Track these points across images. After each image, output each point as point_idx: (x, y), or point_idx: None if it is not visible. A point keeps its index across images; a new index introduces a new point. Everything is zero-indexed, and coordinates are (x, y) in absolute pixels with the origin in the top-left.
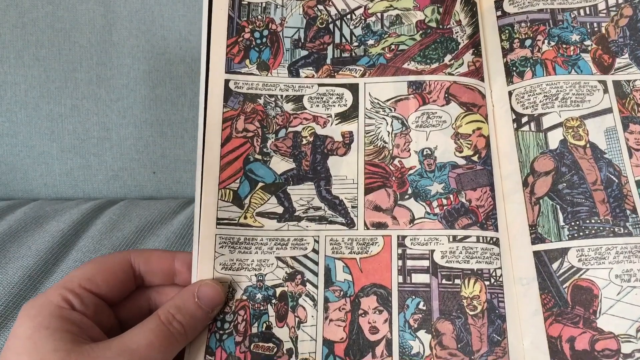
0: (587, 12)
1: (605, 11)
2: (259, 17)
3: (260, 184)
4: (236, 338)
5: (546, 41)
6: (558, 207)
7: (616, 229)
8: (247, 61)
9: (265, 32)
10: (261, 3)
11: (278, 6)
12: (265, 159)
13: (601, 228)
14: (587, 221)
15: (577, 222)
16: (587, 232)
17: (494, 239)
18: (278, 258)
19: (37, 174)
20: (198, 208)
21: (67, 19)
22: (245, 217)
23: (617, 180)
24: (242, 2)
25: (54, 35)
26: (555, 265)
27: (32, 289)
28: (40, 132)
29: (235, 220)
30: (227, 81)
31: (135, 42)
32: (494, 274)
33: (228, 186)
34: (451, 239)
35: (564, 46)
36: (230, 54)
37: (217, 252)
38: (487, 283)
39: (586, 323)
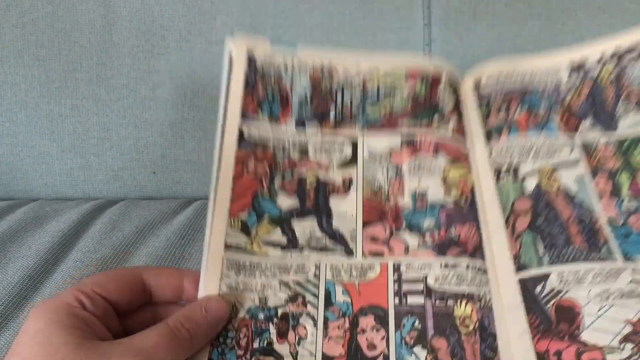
0: (552, 89)
1: (567, 88)
2: (272, 79)
3: (266, 216)
4: (238, 352)
5: (518, 108)
6: (538, 236)
7: (592, 255)
8: (260, 113)
9: (277, 91)
10: (274, 67)
11: (288, 71)
12: (272, 196)
13: (578, 254)
14: (565, 249)
15: (556, 250)
16: (565, 258)
17: (482, 269)
18: (281, 281)
19: (37, 174)
20: (209, 232)
21: (67, 19)
22: (252, 245)
23: (589, 218)
24: (257, 66)
25: (54, 35)
26: (538, 289)
27: (32, 289)
28: (41, 132)
29: (243, 246)
30: (241, 129)
31: (135, 42)
32: (483, 297)
33: (237, 217)
34: (443, 266)
35: (534, 112)
36: (245, 106)
37: (224, 273)
38: (477, 305)
39: (571, 337)
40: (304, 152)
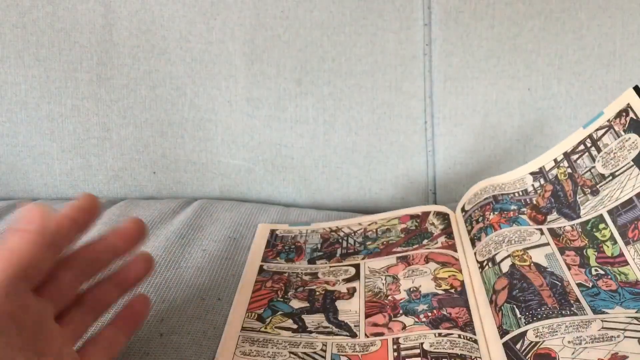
0: (520, 194)
1: (533, 191)
2: (289, 241)
3: (280, 312)
4: None
5: (491, 212)
6: (515, 306)
7: (563, 312)
8: (278, 258)
9: (293, 247)
10: (290, 235)
11: (302, 236)
12: (286, 301)
13: (550, 312)
14: (538, 309)
15: (531, 312)
16: (539, 317)
17: (473, 339)
18: (291, 352)
19: (38, 174)
20: (229, 320)
21: (67, 19)
22: (266, 329)
23: (560, 283)
24: (277, 235)
25: (54, 36)
26: (518, 345)
27: None
28: (41, 132)
29: (257, 329)
30: (261, 265)
31: (135, 42)
32: (475, 359)
33: (254, 311)
34: (437, 335)
35: (505, 213)
36: (266, 254)
37: (239, 344)
38: None
39: None
40: (314, 276)
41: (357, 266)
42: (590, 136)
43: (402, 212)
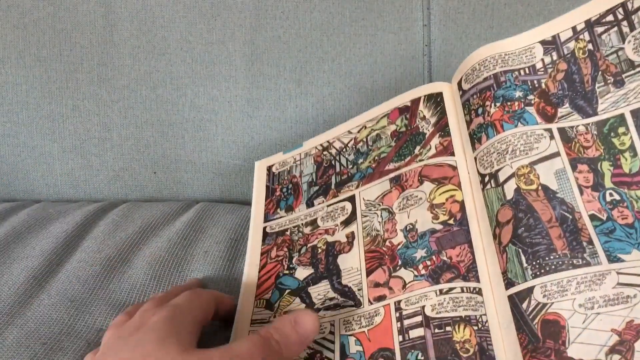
0: (527, 71)
1: (543, 69)
2: (285, 178)
3: (287, 290)
4: None
5: (492, 104)
6: (520, 250)
7: (574, 261)
8: (278, 209)
9: (290, 186)
10: (286, 169)
11: (297, 165)
12: (291, 272)
13: (560, 262)
14: (547, 258)
15: (538, 261)
16: (547, 269)
17: (477, 289)
18: None
19: (39, 174)
20: (237, 316)
21: (68, 20)
22: (274, 317)
23: (571, 216)
24: (274, 174)
25: (55, 36)
26: (524, 305)
27: (37, 289)
28: (42, 133)
29: (266, 319)
30: (264, 228)
31: (136, 43)
32: (480, 320)
33: (262, 297)
34: (438, 293)
35: (509, 103)
36: (267, 209)
37: None
38: (475, 328)
39: (557, 354)
40: (314, 225)
41: (352, 200)
42: (624, 4)
43: (390, 104)
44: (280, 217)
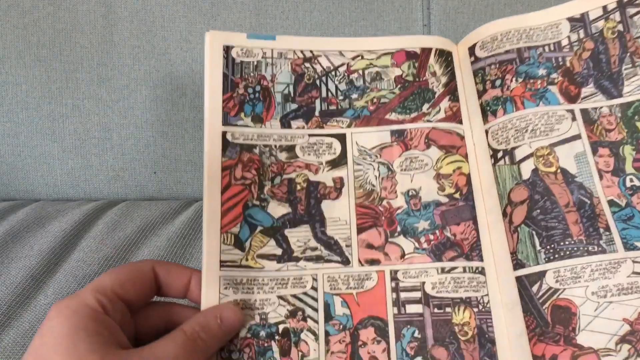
0: (552, 48)
1: (568, 46)
2: (251, 74)
3: (259, 228)
4: None
5: (514, 79)
6: (534, 232)
7: (590, 248)
8: (242, 114)
9: (258, 88)
10: (253, 62)
11: (268, 64)
12: (263, 204)
13: (575, 248)
14: (562, 243)
15: (552, 245)
16: (562, 254)
17: (480, 268)
18: (279, 297)
19: (39, 174)
20: (204, 251)
21: (68, 20)
22: (247, 259)
23: (589, 202)
24: (235, 61)
25: (55, 36)
26: (535, 288)
27: (35, 289)
28: (42, 133)
29: (238, 262)
30: (224, 133)
31: (136, 43)
32: (481, 301)
33: (229, 230)
34: (440, 271)
35: (531, 81)
36: (227, 108)
37: (222, 293)
38: (475, 310)
39: (566, 340)
40: (291, 153)
41: (342, 139)
42: None
43: (394, 42)
44: (246, 127)
